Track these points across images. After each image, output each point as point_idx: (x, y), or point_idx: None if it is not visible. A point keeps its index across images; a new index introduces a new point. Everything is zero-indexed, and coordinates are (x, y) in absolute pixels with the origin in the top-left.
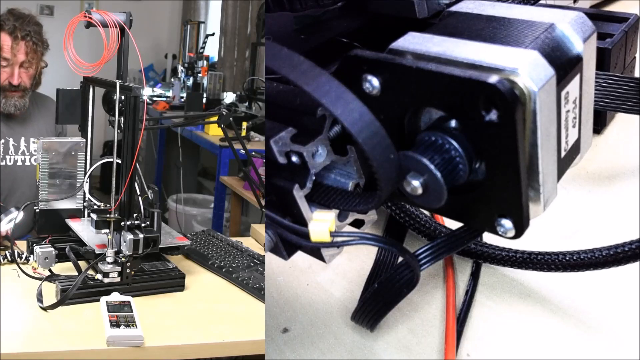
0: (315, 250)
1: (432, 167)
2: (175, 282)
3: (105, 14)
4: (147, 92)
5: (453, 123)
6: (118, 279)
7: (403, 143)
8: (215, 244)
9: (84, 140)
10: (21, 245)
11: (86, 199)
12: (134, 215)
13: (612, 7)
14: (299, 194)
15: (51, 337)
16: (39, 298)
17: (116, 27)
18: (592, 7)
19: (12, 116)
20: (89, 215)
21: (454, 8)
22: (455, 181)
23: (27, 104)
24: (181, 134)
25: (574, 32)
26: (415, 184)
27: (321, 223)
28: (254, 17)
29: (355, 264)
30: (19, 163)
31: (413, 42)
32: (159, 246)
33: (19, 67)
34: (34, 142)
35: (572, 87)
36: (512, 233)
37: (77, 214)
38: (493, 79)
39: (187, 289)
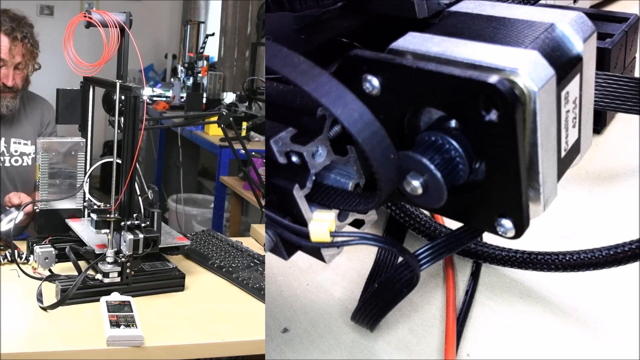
0: (315, 250)
1: (432, 167)
2: (175, 282)
3: (105, 14)
4: (147, 92)
5: (453, 123)
6: (118, 279)
7: (403, 143)
8: (215, 244)
9: (84, 140)
10: (21, 245)
11: (86, 199)
12: (134, 215)
13: (612, 7)
14: (299, 194)
15: (51, 337)
16: (39, 298)
17: (116, 27)
18: (592, 7)
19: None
20: (89, 215)
21: (454, 8)
22: (455, 181)
23: (17, 104)
24: (181, 134)
25: (574, 32)
26: (415, 184)
27: (321, 223)
28: (254, 17)
29: (355, 264)
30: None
31: (413, 42)
32: (159, 246)
33: (14, 69)
34: (14, 143)
35: (572, 87)
36: (512, 233)
37: (77, 214)
38: (493, 79)
39: (187, 289)
